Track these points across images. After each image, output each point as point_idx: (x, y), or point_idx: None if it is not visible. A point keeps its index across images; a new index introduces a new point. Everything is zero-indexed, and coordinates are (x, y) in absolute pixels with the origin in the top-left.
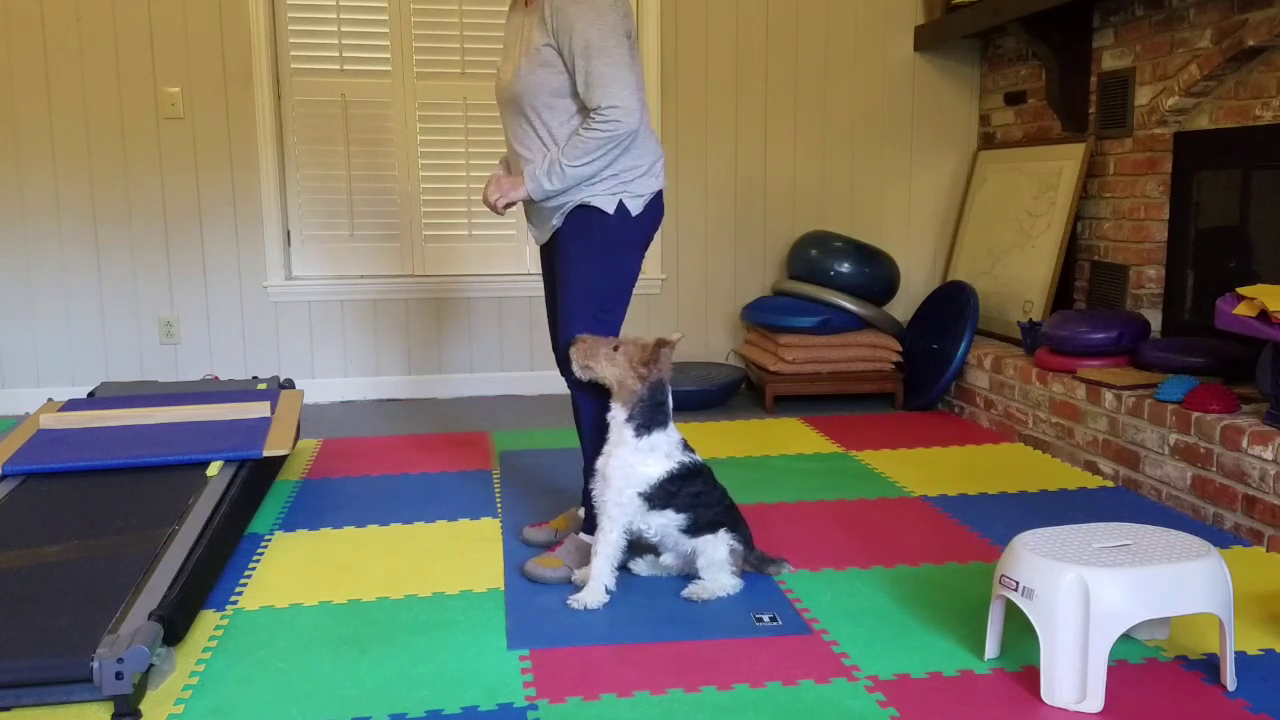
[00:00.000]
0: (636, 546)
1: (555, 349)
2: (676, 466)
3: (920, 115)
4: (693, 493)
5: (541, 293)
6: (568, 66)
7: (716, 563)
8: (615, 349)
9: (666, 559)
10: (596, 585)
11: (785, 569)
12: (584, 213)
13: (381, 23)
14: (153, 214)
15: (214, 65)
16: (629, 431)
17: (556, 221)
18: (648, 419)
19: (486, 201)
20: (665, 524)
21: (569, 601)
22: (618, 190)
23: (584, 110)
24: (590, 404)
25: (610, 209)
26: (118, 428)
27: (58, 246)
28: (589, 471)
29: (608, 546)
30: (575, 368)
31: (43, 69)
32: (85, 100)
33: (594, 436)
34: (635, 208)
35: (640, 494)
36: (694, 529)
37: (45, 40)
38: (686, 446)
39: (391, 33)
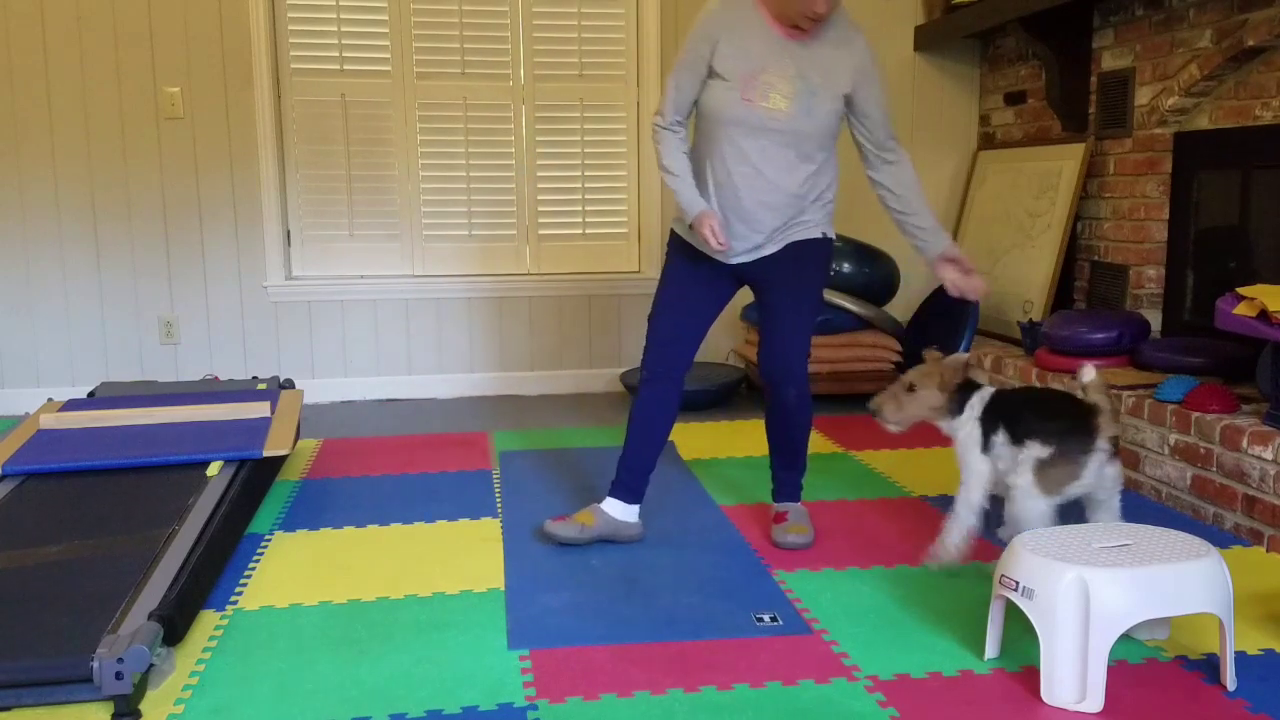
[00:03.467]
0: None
1: (658, 362)
2: (983, 405)
3: (920, 115)
4: (1003, 411)
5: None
6: (854, 114)
7: (1017, 485)
8: (909, 389)
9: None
10: (956, 532)
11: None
12: (825, 240)
13: (381, 23)
14: (153, 214)
15: (214, 65)
16: (956, 420)
17: (773, 247)
18: (962, 399)
19: (706, 238)
20: (1007, 452)
21: (934, 549)
22: (830, 220)
23: (833, 151)
24: (810, 406)
25: (833, 235)
26: (118, 428)
27: (58, 246)
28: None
29: (959, 513)
30: (890, 427)
31: (43, 69)
32: (85, 100)
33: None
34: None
35: (981, 451)
36: (1016, 440)
37: (45, 40)
38: (995, 387)
39: (391, 33)
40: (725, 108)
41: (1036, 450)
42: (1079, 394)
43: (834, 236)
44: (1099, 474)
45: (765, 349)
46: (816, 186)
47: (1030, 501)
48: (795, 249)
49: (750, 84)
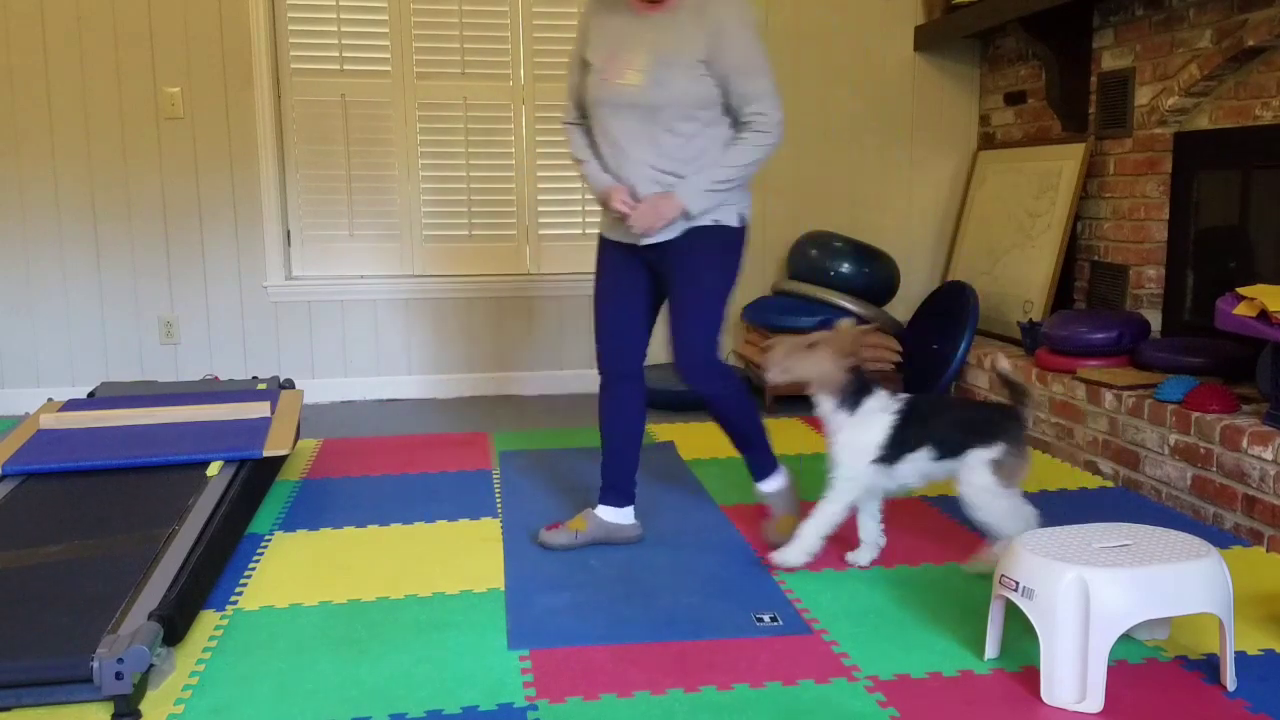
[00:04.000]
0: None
1: (612, 361)
2: (895, 416)
3: (920, 115)
4: (927, 426)
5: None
6: (719, 80)
7: (978, 488)
8: (809, 346)
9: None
10: (801, 546)
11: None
12: (717, 228)
13: (381, 23)
14: (153, 214)
15: (214, 65)
16: (843, 415)
17: (674, 232)
18: (857, 395)
19: (619, 209)
20: (917, 467)
21: (770, 557)
22: (740, 205)
23: (714, 122)
24: (749, 401)
25: (736, 223)
26: (118, 428)
27: (58, 246)
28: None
29: (825, 517)
30: (775, 373)
31: (43, 69)
32: (85, 100)
33: (758, 424)
34: (749, 220)
35: (874, 461)
36: (947, 455)
37: (45, 40)
38: (897, 396)
39: (391, 33)
40: (590, 91)
41: (983, 454)
42: (1000, 383)
43: (738, 224)
44: None
45: (671, 345)
46: (695, 162)
47: (999, 501)
48: (691, 236)
49: (610, 64)
